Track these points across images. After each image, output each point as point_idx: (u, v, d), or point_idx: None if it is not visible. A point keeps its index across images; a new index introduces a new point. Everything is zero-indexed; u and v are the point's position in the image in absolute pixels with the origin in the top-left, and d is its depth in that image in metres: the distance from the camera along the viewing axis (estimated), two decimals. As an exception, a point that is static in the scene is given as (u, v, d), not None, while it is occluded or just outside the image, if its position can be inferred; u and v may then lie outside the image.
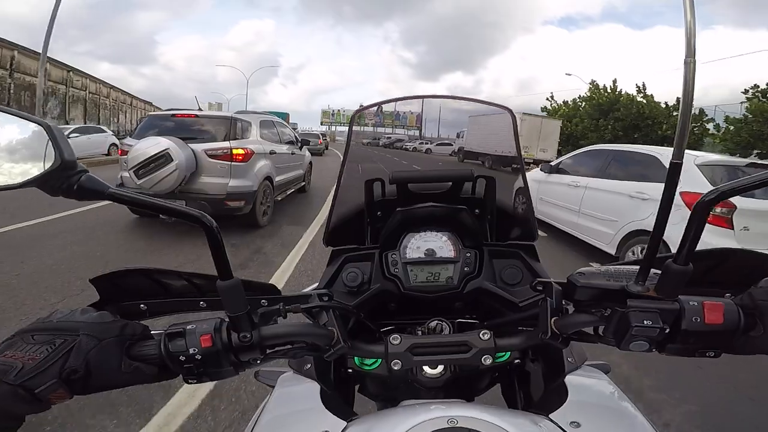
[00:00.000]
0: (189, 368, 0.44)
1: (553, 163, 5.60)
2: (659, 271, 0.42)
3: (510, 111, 0.78)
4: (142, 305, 0.52)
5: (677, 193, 2.33)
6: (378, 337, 0.55)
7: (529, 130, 16.61)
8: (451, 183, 0.72)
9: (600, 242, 4.28)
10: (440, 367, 0.60)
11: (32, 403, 0.36)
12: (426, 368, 0.60)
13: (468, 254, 0.69)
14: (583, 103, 22.92)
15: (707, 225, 1.86)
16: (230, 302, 0.43)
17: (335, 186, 0.73)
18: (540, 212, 5.39)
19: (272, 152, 5.25)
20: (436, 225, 0.71)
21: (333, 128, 55.24)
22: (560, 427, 0.45)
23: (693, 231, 0.39)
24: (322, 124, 55.65)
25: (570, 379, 0.55)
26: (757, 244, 3.29)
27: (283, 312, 0.51)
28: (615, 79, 21.95)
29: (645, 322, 0.41)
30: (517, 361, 0.64)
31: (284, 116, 30.20)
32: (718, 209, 3.29)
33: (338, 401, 0.55)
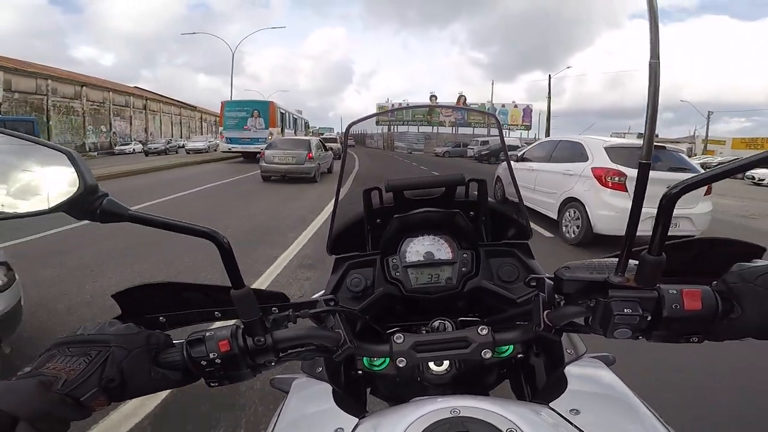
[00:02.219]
0: (210, 372, 0.47)
1: (518, 154, 6.99)
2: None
3: (495, 117, 0.92)
4: (161, 318, 0.57)
5: (589, 168, 4.31)
6: (384, 338, 0.57)
7: None
8: (444, 188, 0.76)
9: (547, 210, 5.67)
10: (445, 364, 0.62)
11: (77, 410, 0.40)
12: (432, 366, 0.62)
13: (465, 255, 0.74)
14: None
15: (609, 190, 4.42)
16: (244, 309, 0.47)
17: (335, 196, 0.76)
18: (509, 194, 6.76)
19: None
20: (434, 229, 0.76)
21: (392, 129, 34.73)
22: (560, 414, 0.47)
23: (661, 222, 0.41)
24: (378, 123, 37.58)
25: (569, 370, 0.57)
26: (647, 202, 4.64)
27: (292, 317, 0.54)
28: None
29: (625, 310, 0.44)
30: (520, 355, 0.66)
31: (263, 106, 18.60)
32: (616, 178, 4.68)
33: (350, 401, 0.58)
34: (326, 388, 0.58)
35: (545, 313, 0.51)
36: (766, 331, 0.43)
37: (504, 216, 0.82)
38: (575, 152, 5.39)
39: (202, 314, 0.58)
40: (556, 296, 0.52)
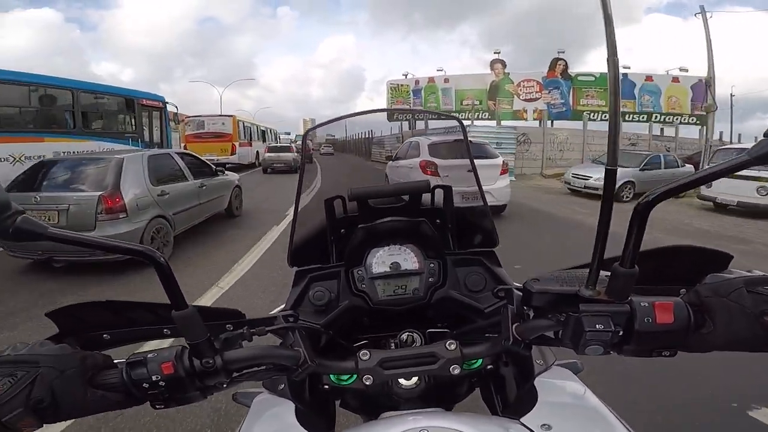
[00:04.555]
0: (154, 394, 0.45)
1: (394, 155, 8.57)
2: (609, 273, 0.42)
3: (459, 120, 0.93)
4: (105, 335, 0.54)
5: (418, 161, 6.65)
6: (350, 353, 0.56)
7: None
8: (409, 196, 0.75)
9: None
10: (414, 378, 0.61)
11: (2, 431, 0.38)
12: (401, 380, 0.61)
13: (432, 264, 0.72)
14: None
15: (429, 176, 6.86)
16: (188, 330, 0.45)
17: (294, 206, 0.75)
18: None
19: None
20: (399, 238, 0.74)
21: (416, 125, 22.39)
22: (532, 430, 0.46)
23: (634, 233, 0.39)
24: (392, 119, 22.25)
25: (539, 381, 0.56)
26: (444, 181, 6.19)
27: (247, 335, 0.52)
28: None
29: (597, 326, 0.42)
30: (489, 366, 0.64)
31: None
32: (432, 167, 6.23)
33: (314, 418, 0.56)
34: (288, 406, 0.58)
35: (514, 326, 0.51)
36: (733, 346, 0.43)
37: (470, 223, 0.82)
38: (415, 149, 6.96)
39: (150, 331, 0.56)
40: (525, 308, 0.51)
